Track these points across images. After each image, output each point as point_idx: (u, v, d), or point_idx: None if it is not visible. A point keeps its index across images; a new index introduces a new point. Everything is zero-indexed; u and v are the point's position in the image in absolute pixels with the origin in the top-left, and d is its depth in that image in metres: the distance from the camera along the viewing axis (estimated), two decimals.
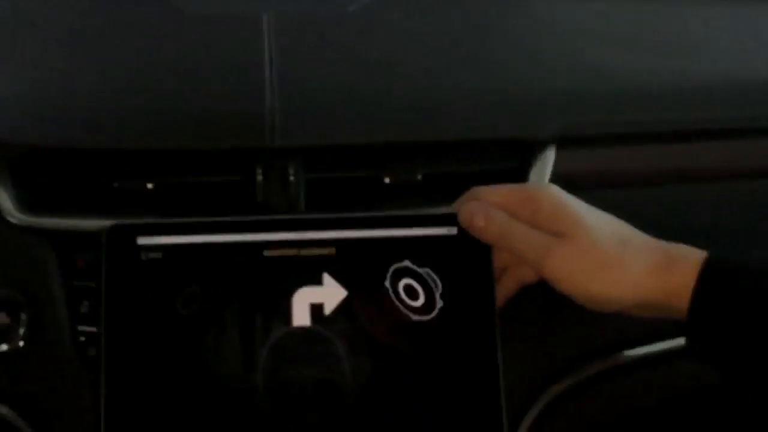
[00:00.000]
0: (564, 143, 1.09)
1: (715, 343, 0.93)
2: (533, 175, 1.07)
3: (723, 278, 0.92)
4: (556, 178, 1.06)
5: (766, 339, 0.91)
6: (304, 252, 0.95)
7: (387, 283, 0.95)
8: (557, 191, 0.96)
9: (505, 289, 0.99)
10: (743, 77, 1.18)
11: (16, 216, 1.03)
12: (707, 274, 0.92)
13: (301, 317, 0.94)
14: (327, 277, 0.95)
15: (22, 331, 1.01)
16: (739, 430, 1.19)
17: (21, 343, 1.01)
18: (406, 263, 0.96)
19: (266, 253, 0.95)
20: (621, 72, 1.16)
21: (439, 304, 0.96)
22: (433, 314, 0.95)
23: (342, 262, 0.95)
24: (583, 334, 1.06)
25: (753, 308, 0.91)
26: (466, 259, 0.97)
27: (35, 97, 1.10)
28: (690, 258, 0.93)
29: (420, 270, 0.96)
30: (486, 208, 0.96)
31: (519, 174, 1.08)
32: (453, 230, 0.97)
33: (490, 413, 0.95)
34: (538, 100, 1.12)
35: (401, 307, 0.95)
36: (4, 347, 1.01)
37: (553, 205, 0.95)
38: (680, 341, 0.96)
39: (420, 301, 0.95)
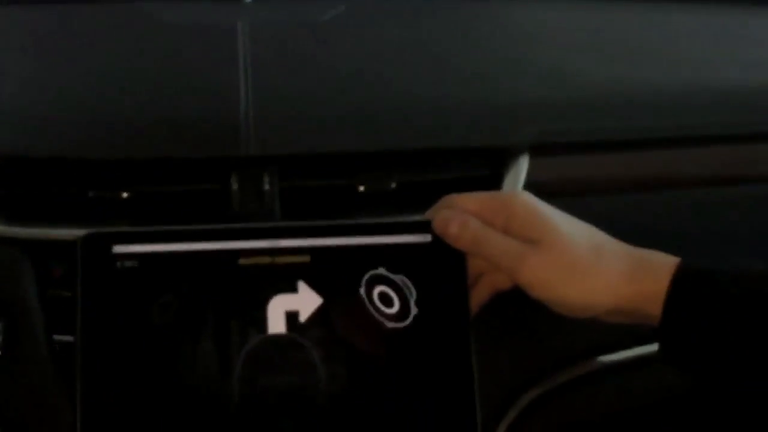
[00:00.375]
0: (538, 151, 1.09)
1: (687, 348, 0.93)
2: (507, 182, 1.08)
3: (695, 284, 0.93)
4: (529, 186, 1.07)
5: (737, 344, 0.91)
6: (279, 260, 0.95)
7: (362, 291, 0.95)
8: (531, 198, 0.96)
9: (479, 296, 0.99)
10: (717, 85, 1.19)
11: None
12: (680, 280, 0.93)
13: (276, 325, 0.94)
14: (302, 285, 0.95)
15: None
16: None
17: None
18: (381, 270, 0.96)
19: (241, 261, 0.95)
20: (594, 80, 1.16)
21: (414, 311, 0.96)
22: (408, 321, 0.96)
23: (317, 270, 0.95)
24: (557, 340, 1.06)
25: (725, 314, 0.91)
26: (441, 267, 0.97)
27: (9, 108, 1.10)
28: (663, 264, 0.94)
29: (395, 277, 0.96)
30: (460, 216, 0.96)
31: (493, 182, 1.08)
32: (427, 238, 0.97)
33: (465, 420, 0.95)
34: (512, 108, 1.12)
35: (376, 315, 0.95)
36: None
37: (527, 213, 0.95)
38: (653, 347, 0.96)
39: (395, 309, 0.96)
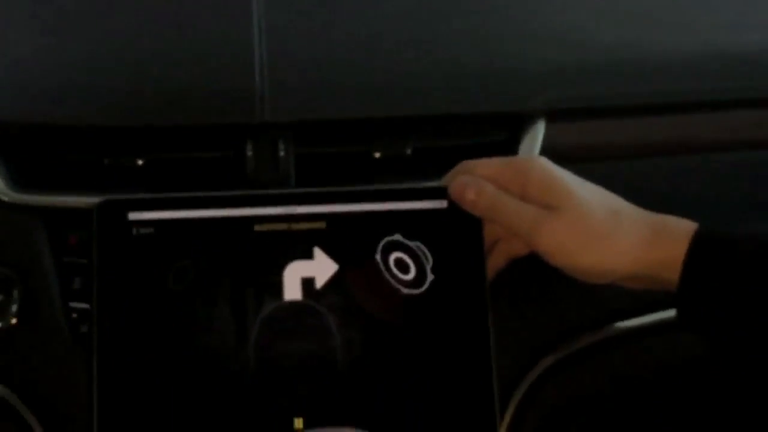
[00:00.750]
0: (554, 116, 1.09)
1: (705, 314, 0.93)
2: (523, 148, 1.07)
3: (713, 250, 0.92)
4: (545, 151, 1.06)
5: (755, 310, 0.91)
6: (295, 226, 0.95)
7: (378, 257, 0.95)
8: (547, 164, 0.96)
9: (495, 262, 0.99)
10: (731, 49, 1.18)
11: (7, 194, 1.03)
12: (697, 246, 0.92)
13: (292, 291, 0.94)
14: (318, 251, 0.95)
15: (14, 308, 1.01)
16: (729, 401, 1.20)
17: (14, 320, 1.01)
18: (397, 237, 0.96)
19: (257, 227, 0.95)
20: (610, 44, 1.15)
21: (430, 277, 0.96)
22: (424, 287, 0.95)
23: (333, 236, 0.95)
24: (574, 306, 1.06)
25: (742, 279, 0.91)
26: (457, 233, 0.97)
27: (24, 75, 1.10)
28: (680, 230, 0.94)
29: (411, 243, 0.96)
30: (476, 182, 0.96)
31: (509, 147, 1.08)
32: (443, 204, 0.97)
33: (481, 386, 0.95)
34: (528, 73, 1.11)
35: (392, 281, 0.95)
36: None
37: (544, 178, 0.95)
38: (671, 313, 0.95)
39: (411, 275, 0.95)
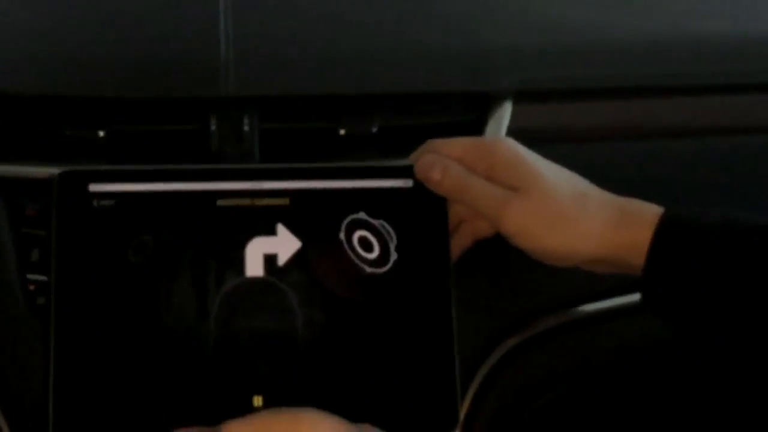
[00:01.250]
0: (521, 97, 1.08)
1: (669, 298, 0.93)
2: (490, 128, 1.07)
3: (679, 234, 0.92)
4: (512, 132, 1.06)
5: (720, 294, 0.91)
6: (258, 202, 0.94)
7: (341, 235, 0.95)
8: (514, 145, 0.95)
9: (460, 243, 0.99)
10: (702, 33, 1.18)
11: None
12: (663, 230, 0.92)
13: (254, 267, 0.93)
14: (281, 228, 0.94)
15: None
16: (693, 384, 1.20)
17: None
18: (361, 215, 0.95)
19: (220, 202, 0.94)
20: (580, 26, 1.15)
21: (394, 256, 0.95)
22: (388, 267, 0.95)
23: (296, 213, 0.94)
24: (537, 288, 1.06)
25: (708, 264, 0.91)
26: (422, 212, 0.96)
27: None
28: (646, 213, 0.93)
29: (375, 222, 0.95)
30: (442, 161, 0.95)
31: (476, 127, 1.07)
32: (409, 182, 0.96)
33: (443, 366, 0.94)
34: (496, 54, 1.11)
35: (355, 259, 0.94)
36: None
37: (510, 159, 0.94)
38: (635, 296, 0.95)
39: (374, 254, 0.95)
